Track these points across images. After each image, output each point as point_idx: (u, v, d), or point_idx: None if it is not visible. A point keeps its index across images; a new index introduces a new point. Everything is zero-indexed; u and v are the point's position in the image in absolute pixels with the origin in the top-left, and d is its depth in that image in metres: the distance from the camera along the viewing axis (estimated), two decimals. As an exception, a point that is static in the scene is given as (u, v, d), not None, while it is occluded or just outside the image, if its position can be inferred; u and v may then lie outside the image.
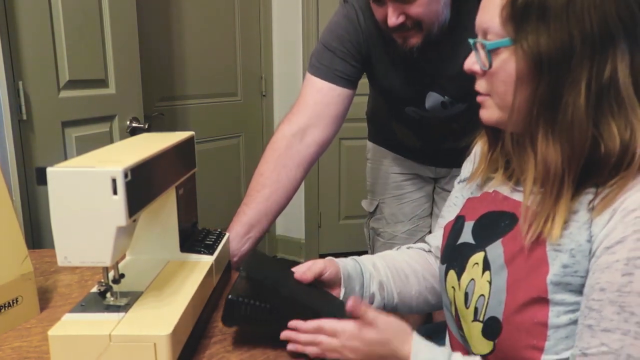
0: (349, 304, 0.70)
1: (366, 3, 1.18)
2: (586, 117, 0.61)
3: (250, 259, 0.82)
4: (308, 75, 1.23)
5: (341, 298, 0.85)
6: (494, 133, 0.77)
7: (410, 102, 1.30)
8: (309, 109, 1.19)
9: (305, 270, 0.82)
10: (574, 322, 0.63)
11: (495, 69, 0.67)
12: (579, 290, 0.63)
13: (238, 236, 1.08)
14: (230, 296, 0.72)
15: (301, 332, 0.71)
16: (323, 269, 0.83)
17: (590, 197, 0.63)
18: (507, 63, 0.65)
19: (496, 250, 0.70)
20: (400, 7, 1.04)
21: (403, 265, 0.92)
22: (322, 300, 0.79)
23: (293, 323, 0.72)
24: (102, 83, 1.79)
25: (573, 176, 0.63)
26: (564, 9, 0.60)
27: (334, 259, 0.89)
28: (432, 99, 1.26)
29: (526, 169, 0.67)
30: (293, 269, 0.84)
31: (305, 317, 0.72)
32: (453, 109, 1.27)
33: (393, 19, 1.05)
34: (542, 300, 0.63)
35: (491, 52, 0.67)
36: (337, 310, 0.75)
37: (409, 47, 1.11)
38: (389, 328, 0.70)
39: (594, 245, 0.61)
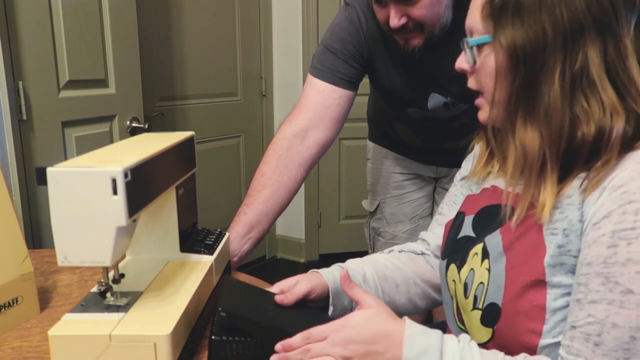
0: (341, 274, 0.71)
1: (368, 5, 1.18)
2: (561, 103, 0.64)
3: (227, 291, 0.77)
4: (309, 76, 1.23)
5: (330, 314, 0.83)
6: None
7: (412, 103, 1.30)
8: (310, 110, 1.19)
9: (286, 294, 0.79)
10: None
11: (479, 65, 0.71)
12: (573, 271, 0.64)
13: (239, 236, 1.08)
14: (213, 336, 0.69)
15: (289, 349, 0.68)
16: (309, 291, 0.81)
17: (581, 181, 0.65)
18: (488, 58, 0.69)
19: (494, 238, 0.72)
20: (403, 8, 1.05)
21: (394, 273, 0.91)
22: (307, 323, 0.75)
23: (280, 345, 0.67)
24: (102, 83, 1.79)
25: (555, 159, 0.65)
26: (537, 5, 0.64)
27: (319, 273, 0.86)
28: (435, 100, 1.27)
29: (507, 155, 0.70)
30: (272, 290, 0.81)
31: None
32: (455, 110, 1.28)
33: (395, 21, 1.05)
34: (540, 283, 0.65)
35: (475, 49, 0.71)
36: None
37: (410, 48, 1.11)
38: (378, 304, 0.69)
39: (584, 224, 0.63)
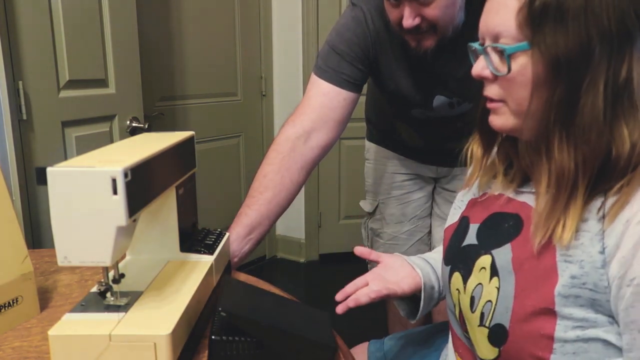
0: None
1: (375, 6, 1.17)
2: (603, 119, 0.60)
3: (227, 291, 0.77)
4: (314, 77, 1.21)
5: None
6: (489, 137, 0.76)
7: (417, 104, 1.30)
8: (314, 112, 1.18)
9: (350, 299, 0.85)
10: (583, 339, 0.62)
11: (514, 74, 0.65)
12: (589, 305, 0.61)
13: (239, 237, 1.08)
14: (213, 336, 0.69)
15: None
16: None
17: (598, 204, 0.62)
18: (526, 67, 0.64)
19: (505, 255, 0.68)
20: (417, 8, 1.03)
21: None
22: (306, 323, 0.76)
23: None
24: (102, 83, 1.79)
25: (587, 181, 0.61)
26: (582, 9, 0.59)
27: (413, 267, 0.92)
28: (440, 99, 1.26)
29: (540, 173, 0.66)
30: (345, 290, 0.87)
31: (291, 344, 0.70)
32: (460, 109, 1.27)
33: (409, 21, 1.04)
34: (550, 312, 0.62)
35: (510, 57, 0.65)
36: (323, 332, 0.74)
37: (422, 49, 1.10)
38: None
39: (610, 260, 0.59)
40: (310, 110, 1.18)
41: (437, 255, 0.96)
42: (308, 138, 1.16)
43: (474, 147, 0.80)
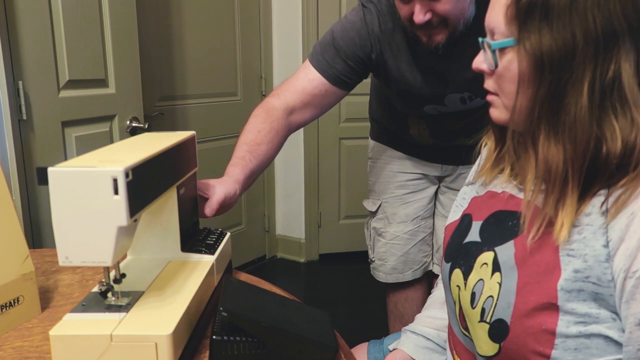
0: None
1: (387, 7, 1.18)
2: (589, 118, 0.60)
3: (228, 291, 0.77)
4: (307, 61, 1.24)
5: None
6: (501, 131, 0.77)
7: (429, 100, 1.31)
8: (297, 93, 1.22)
9: None
10: (585, 335, 0.62)
11: (502, 69, 0.67)
12: (592, 299, 0.61)
13: (236, 179, 1.07)
14: (214, 336, 0.69)
15: None
16: None
17: (602, 199, 0.62)
18: (512, 63, 0.65)
19: (508, 251, 0.69)
20: (428, 4, 1.04)
21: None
22: (307, 323, 0.76)
23: None
24: (102, 83, 1.79)
25: (577, 177, 0.62)
26: (568, 8, 0.59)
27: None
28: (452, 95, 1.27)
29: (526, 168, 0.67)
30: None
31: (293, 345, 0.70)
32: (472, 104, 1.28)
33: (420, 16, 1.05)
34: (552, 307, 0.62)
35: (497, 52, 0.67)
36: (324, 332, 0.74)
37: (434, 44, 1.11)
38: None
39: (621, 259, 0.59)
40: (294, 90, 1.22)
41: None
42: (290, 113, 1.21)
43: (488, 142, 0.82)
